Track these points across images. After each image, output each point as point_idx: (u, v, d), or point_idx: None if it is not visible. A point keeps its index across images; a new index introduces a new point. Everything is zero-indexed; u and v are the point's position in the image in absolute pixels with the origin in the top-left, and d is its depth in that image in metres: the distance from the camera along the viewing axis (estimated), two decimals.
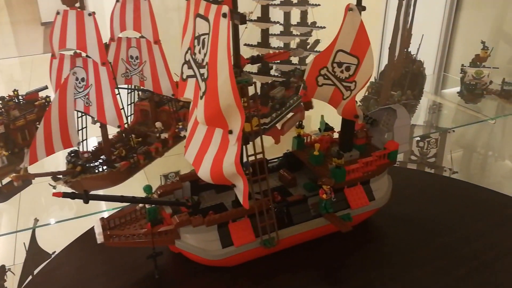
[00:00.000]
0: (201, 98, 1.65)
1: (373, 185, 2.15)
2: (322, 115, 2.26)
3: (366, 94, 3.45)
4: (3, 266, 3.16)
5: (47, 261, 2.34)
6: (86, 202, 1.73)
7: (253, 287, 1.95)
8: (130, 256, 2.05)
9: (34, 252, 3.01)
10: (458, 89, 3.75)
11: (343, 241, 2.09)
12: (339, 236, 2.01)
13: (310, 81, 2.07)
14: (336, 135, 2.24)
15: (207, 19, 1.60)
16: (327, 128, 2.22)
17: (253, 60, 1.77)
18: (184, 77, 1.80)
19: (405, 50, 3.56)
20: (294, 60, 3.38)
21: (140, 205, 1.95)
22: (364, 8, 1.86)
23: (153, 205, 1.91)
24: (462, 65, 3.72)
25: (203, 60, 1.64)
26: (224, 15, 1.50)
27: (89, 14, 2.43)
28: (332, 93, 2.05)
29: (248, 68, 2.86)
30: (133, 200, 1.89)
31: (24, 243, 3.04)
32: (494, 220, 2.32)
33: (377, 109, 2.24)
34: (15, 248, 3.20)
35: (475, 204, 2.44)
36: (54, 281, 2.07)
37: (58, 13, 2.47)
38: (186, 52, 1.78)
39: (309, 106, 2.51)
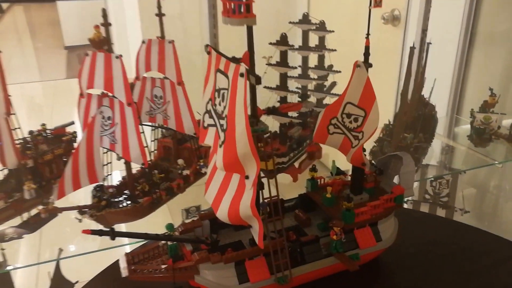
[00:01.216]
0: (220, 146, 1.85)
1: (381, 227, 2.33)
2: (333, 160, 2.45)
3: (381, 135, 3.63)
4: None
5: None
6: (113, 239, 1.93)
7: None
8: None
9: (58, 281, 3.20)
10: (468, 132, 3.92)
11: (354, 279, 2.27)
12: (349, 274, 2.19)
13: (321, 129, 2.27)
14: (348, 178, 2.43)
15: (226, 76, 1.80)
16: (338, 172, 2.40)
17: (269, 111, 1.97)
18: (205, 125, 2.01)
19: (418, 94, 3.75)
20: (312, 100, 3.57)
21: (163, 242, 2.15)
22: (370, 65, 2.06)
23: (174, 242, 2.11)
24: (472, 110, 3.89)
25: (222, 112, 1.84)
26: (242, 75, 1.71)
27: (116, 57, 2.62)
28: (342, 141, 2.26)
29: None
30: (156, 237, 2.08)
31: (48, 272, 3.22)
32: (498, 264, 2.49)
33: (386, 155, 2.43)
34: (37, 276, 3.37)
35: (482, 251, 2.60)
36: None
37: (87, 54, 2.67)
38: (207, 103, 1.98)
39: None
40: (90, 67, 2.69)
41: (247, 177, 1.86)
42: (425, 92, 3.90)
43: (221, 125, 1.85)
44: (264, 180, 2.01)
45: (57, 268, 3.25)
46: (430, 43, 3.71)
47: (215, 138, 1.94)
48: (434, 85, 3.91)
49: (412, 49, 3.32)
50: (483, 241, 2.71)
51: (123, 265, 2.01)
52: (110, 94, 2.73)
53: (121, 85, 2.67)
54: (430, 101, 3.96)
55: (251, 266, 2.09)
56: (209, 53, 1.94)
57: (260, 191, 2.00)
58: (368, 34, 2.05)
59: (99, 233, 1.92)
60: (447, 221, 3.21)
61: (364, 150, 2.24)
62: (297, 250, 2.16)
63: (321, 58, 3.43)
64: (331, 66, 3.51)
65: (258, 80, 1.73)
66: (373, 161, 2.35)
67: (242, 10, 1.75)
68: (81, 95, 2.78)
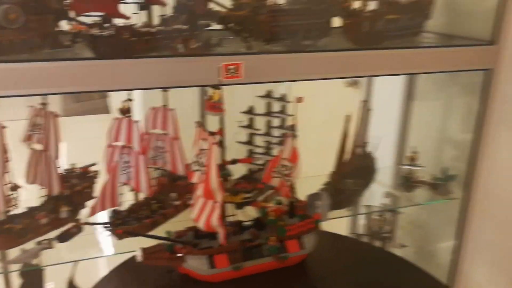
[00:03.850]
0: (202, 183, 3.49)
1: (304, 240, 3.79)
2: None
3: (329, 180, 5.16)
4: None
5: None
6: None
7: None
8: (157, 271, 3.79)
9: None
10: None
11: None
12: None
13: (267, 174, 3.83)
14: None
15: (207, 142, 3.45)
16: (278, 202, 3.97)
17: (231, 162, 3.63)
18: (193, 169, 3.60)
19: (361, 148, 5.34)
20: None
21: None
22: (295, 136, 3.74)
23: (171, 242, 3.65)
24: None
25: (203, 162, 3.48)
26: (215, 143, 3.36)
27: (135, 121, 4.14)
28: (280, 182, 3.89)
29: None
30: (159, 238, 3.60)
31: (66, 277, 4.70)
32: None
33: (313, 192, 4.04)
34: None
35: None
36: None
37: (116, 118, 4.26)
38: (196, 156, 3.58)
39: None
40: (117, 127, 3.97)
41: (216, 202, 3.49)
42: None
43: (203, 171, 3.49)
44: None
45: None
46: (370, 110, 5.33)
47: (199, 178, 3.58)
48: (380, 142, 5.50)
49: (348, 117, 4.84)
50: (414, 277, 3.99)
51: (139, 253, 3.50)
52: (129, 145, 4.11)
53: (137, 140, 4.02)
54: (374, 155, 5.46)
55: (217, 258, 3.53)
56: (197, 126, 3.59)
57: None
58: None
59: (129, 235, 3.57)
60: (380, 251, 4.64)
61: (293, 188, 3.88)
62: (248, 251, 3.69)
63: (282, 121, 5.00)
64: (292, 126, 5.08)
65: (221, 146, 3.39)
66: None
67: (216, 107, 3.43)
68: (108, 146, 4.13)
